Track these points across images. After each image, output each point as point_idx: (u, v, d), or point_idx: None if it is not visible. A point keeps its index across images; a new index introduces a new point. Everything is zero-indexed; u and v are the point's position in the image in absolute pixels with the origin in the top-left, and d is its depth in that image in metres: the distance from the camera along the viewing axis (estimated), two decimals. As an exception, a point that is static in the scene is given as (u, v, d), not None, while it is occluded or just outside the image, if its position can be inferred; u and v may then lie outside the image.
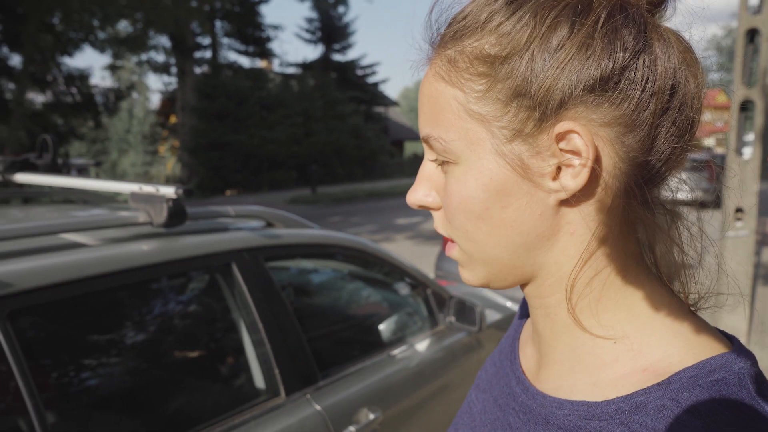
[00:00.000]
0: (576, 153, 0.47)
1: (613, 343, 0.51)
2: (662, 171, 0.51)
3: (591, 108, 0.47)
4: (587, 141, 0.47)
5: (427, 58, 0.55)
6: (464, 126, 0.50)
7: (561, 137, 0.47)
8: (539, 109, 0.47)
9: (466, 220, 0.52)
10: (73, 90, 21.34)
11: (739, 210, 4.79)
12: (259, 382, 1.71)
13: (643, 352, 0.49)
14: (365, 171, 28.13)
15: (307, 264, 2.61)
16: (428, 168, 0.56)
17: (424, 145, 0.55)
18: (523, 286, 0.56)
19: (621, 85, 0.46)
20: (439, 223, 0.57)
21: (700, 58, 0.51)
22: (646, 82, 0.47)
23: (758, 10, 4.73)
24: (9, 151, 15.50)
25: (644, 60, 0.47)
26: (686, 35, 0.52)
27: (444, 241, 0.58)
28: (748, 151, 5.05)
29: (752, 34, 4.75)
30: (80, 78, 21.36)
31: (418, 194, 0.56)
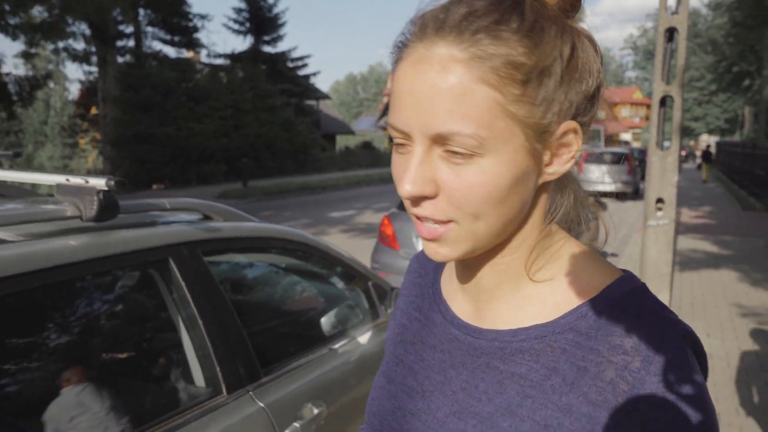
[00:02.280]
0: (568, 145, 0.61)
1: (550, 282, 0.65)
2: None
3: (581, 112, 0.61)
4: (578, 136, 0.61)
5: (414, 49, 0.59)
6: (500, 124, 0.56)
7: (564, 134, 0.60)
8: (558, 114, 0.59)
9: (486, 205, 0.58)
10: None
11: (660, 200, 5.04)
12: (200, 381, 1.65)
13: (574, 283, 0.64)
14: (297, 165, 27.82)
15: (246, 258, 2.54)
16: (421, 159, 0.59)
17: (426, 140, 0.58)
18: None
19: (597, 95, 0.63)
20: (433, 208, 0.60)
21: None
22: (600, 97, 0.64)
23: (676, 11, 4.98)
24: None
25: (601, 79, 0.63)
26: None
27: (423, 227, 0.62)
28: (667, 144, 5.32)
29: (671, 33, 4.99)
30: (-10, 65, 20.02)
31: (417, 187, 0.58)
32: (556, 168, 0.62)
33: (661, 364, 0.55)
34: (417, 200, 0.60)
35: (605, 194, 18.69)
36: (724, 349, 4.97)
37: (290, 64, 32.49)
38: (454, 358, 0.70)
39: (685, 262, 8.53)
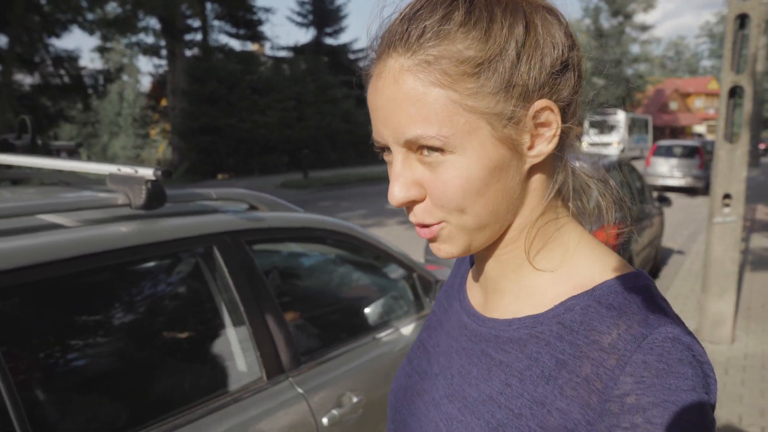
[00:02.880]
0: (546, 125, 0.61)
1: (551, 273, 0.65)
2: (579, 129, 0.67)
3: (552, 88, 0.60)
4: (556, 113, 0.60)
5: (376, 67, 0.62)
6: (461, 120, 0.58)
7: (537, 113, 0.60)
8: (522, 96, 0.58)
9: (465, 199, 0.60)
10: (62, 72, 21.08)
11: (727, 196, 4.80)
12: (241, 365, 1.70)
13: (573, 275, 0.64)
14: (357, 156, 28.02)
15: (293, 248, 2.59)
16: (402, 166, 0.61)
17: (399, 148, 0.61)
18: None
19: (566, 68, 0.61)
20: (422, 212, 0.62)
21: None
22: (575, 64, 0.62)
23: (749, -4, 4.71)
24: (-4, 133, 15.30)
25: (573, 46, 0.62)
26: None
27: (420, 230, 0.64)
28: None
29: (742, 20, 4.73)
30: (68, 59, 21.08)
31: (403, 192, 0.61)
32: (540, 149, 0.61)
33: (637, 365, 0.53)
34: (408, 206, 0.63)
35: (674, 189, 17.98)
36: (794, 353, 4.70)
37: (352, 56, 32.69)
38: (459, 344, 0.73)
39: (757, 261, 8.10)
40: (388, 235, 9.73)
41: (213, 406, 1.52)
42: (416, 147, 0.60)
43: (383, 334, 2.19)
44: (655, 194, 7.64)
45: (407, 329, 2.30)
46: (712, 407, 0.54)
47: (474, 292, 0.76)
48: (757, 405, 3.84)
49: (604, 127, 27.86)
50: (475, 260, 0.74)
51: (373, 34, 0.64)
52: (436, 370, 0.76)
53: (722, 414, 3.71)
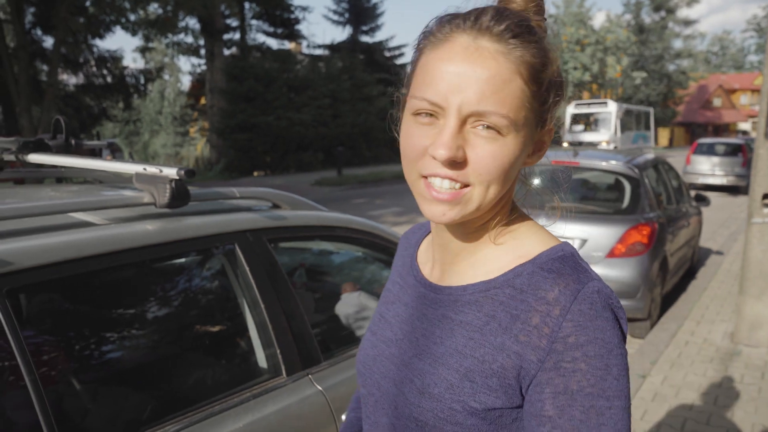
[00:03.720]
0: (544, 143, 0.80)
1: (502, 247, 0.81)
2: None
3: (558, 105, 0.77)
4: (550, 137, 0.78)
5: (465, 34, 0.72)
6: (523, 113, 0.72)
7: (545, 132, 0.79)
8: (549, 118, 0.77)
9: (500, 174, 0.72)
10: (104, 72, 21.64)
11: (766, 196, 4.66)
12: (261, 361, 1.73)
13: (518, 248, 0.80)
14: (392, 153, 27.99)
15: (319, 246, 2.62)
16: (456, 130, 0.71)
17: (465, 115, 0.70)
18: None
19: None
20: (458, 173, 0.72)
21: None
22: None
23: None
24: (42, 131, 15.82)
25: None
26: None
27: (442, 192, 0.74)
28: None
29: (786, 14, 4.57)
30: (111, 60, 21.62)
31: (453, 151, 0.70)
32: (533, 159, 0.79)
33: (575, 312, 0.69)
34: (448, 163, 0.71)
35: (715, 188, 17.48)
36: (837, 359, 4.54)
37: (387, 54, 32.70)
38: (419, 311, 0.86)
39: (801, 263, 7.83)
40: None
41: (233, 402, 1.55)
42: (476, 120, 0.70)
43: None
44: (693, 193, 7.45)
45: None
46: (624, 338, 0.72)
47: (428, 267, 0.91)
48: (796, 412, 3.72)
49: (591, 123, 24.17)
50: (438, 239, 0.86)
51: (446, 12, 0.77)
52: (400, 335, 0.88)
53: (757, 419, 3.61)
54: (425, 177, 0.74)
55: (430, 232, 1.00)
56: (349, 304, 2.33)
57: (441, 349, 0.79)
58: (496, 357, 0.73)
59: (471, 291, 0.79)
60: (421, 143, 0.73)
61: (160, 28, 22.01)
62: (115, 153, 21.21)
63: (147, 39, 23.60)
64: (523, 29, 0.72)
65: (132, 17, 20.58)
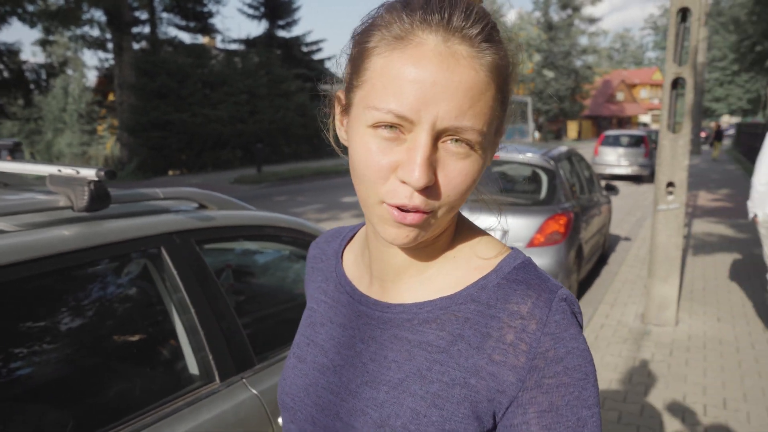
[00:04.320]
0: (496, 144, 0.71)
1: (454, 259, 0.74)
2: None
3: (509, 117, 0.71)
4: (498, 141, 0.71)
5: (432, 36, 0.61)
6: (494, 124, 0.65)
7: (500, 132, 0.70)
8: (507, 117, 0.70)
9: (464, 195, 0.65)
10: (0, 66, 20.21)
11: (670, 184, 4.97)
12: (193, 368, 1.67)
13: (472, 258, 0.73)
14: (312, 150, 27.82)
15: (244, 246, 2.56)
16: (430, 148, 0.61)
17: (430, 129, 0.59)
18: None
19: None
20: (422, 199, 0.62)
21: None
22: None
23: (689, -10, 4.87)
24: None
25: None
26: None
27: (406, 215, 0.63)
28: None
29: (684, 13, 4.89)
30: (8, 53, 20.23)
31: (429, 176, 0.61)
32: (488, 161, 0.69)
33: (552, 324, 0.65)
34: (421, 189, 0.62)
35: (621, 177, 18.51)
36: (734, 334, 4.93)
37: (305, 49, 32.38)
38: (363, 333, 0.76)
39: (699, 246, 8.43)
40: (344, 228, 9.70)
41: (166, 411, 1.49)
42: (448, 135, 0.61)
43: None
44: (603, 183, 7.85)
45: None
46: None
47: (364, 283, 0.80)
48: (700, 384, 4.01)
49: None
50: (374, 253, 0.76)
51: (395, 2, 0.65)
52: (339, 362, 0.77)
53: (668, 394, 3.86)
54: (389, 204, 0.64)
55: (349, 241, 0.90)
56: None
57: (399, 375, 0.70)
58: (468, 380, 0.66)
59: (429, 308, 0.71)
60: (383, 162, 0.62)
61: (62, 20, 20.78)
62: (15, 154, 19.81)
63: (48, 31, 22.24)
64: (492, 29, 0.63)
65: (30, 8, 19.33)
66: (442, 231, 0.72)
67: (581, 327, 0.69)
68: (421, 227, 0.65)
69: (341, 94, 0.73)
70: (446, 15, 0.61)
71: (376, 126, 0.62)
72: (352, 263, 0.85)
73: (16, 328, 1.47)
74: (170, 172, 22.56)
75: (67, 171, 1.55)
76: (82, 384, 1.51)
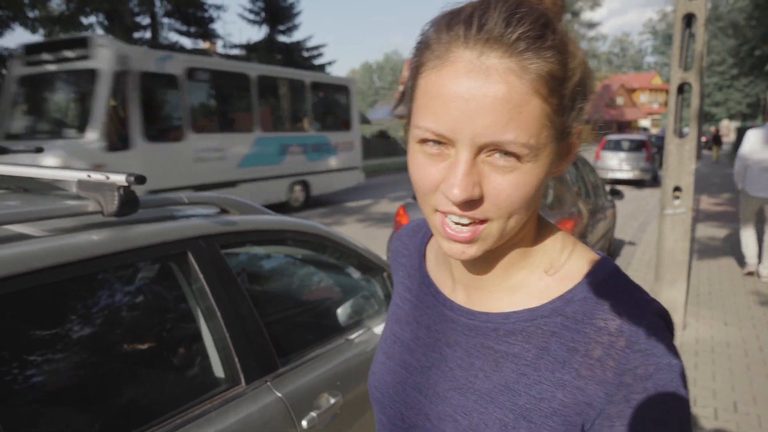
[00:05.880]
0: (574, 146, 0.68)
1: (537, 267, 0.72)
2: None
3: (581, 116, 0.66)
4: (581, 137, 0.68)
5: (462, 51, 0.60)
6: (545, 132, 0.62)
7: (576, 135, 0.67)
8: (576, 120, 0.66)
9: (522, 205, 0.64)
10: (4, 71, 20.25)
11: (677, 189, 4.99)
12: (219, 371, 1.69)
13: (558, 269, 0.71)
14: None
15: (262, 250, 2.58)
16: (468, 165, 0.61)
17: (470, 145, 0.60)
18: None
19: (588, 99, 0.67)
20: (475, 210, 0.63)
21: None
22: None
23: (694, -4, 4.90)
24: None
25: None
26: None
27: (461, 230, 0.65)
28: (686, 131, 5.25)
29: (689, 19, 4.91)
30: (11, 58, 20.25)
31: (468, 191, 0.61)
32: (562, 166, 0.68)
33: (642, 342, 0.63)
34: (463, 204, 0.62)
35: (623, 182, 18.54)
36: (741, 337, 4.94)
37: (305, 54, 32.43)
38: (448, 337, 0.76)
39: (703, 250, 8.44)
40: (347, 233, 9.72)
41: (194, 414, 1.51)
42: (492, 149, 0.61)
43: (356, 334, 2.20)
44: (607, 188, 7.87)
45: (379, 328, 2.32)
46: None
47: (448, 286, 0.80)
48: (710, 387, 4.02)
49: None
50: (454, 260, 0.76)
51: (444, 16, 0.65)
52: (425, 363, 0.78)
53: (678, 398, 3.86)
54: (441, 212, 0.66)
55: (431, 236, 0.89)
56: None
57: (487, 385, 0.71)
58: (556, 394, 0.66)
59: (514, 319, 0.70)
60: (432, 177, 0.64)
61: (63, 25, 20.81)
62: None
63: (49, 37, 22.28)
64: (538, 33, 0.60)
65: (32, 13, 19.37)
66: (514, 240, 0.71)
67: (674, 333, 0.68)
68: (475, 242, 0.65)
69: (405, 108, 0.73)
70: (480, 23, 0.60)
71: (422, 142, 0.64)
72: (434, 263, 0.85)
73: (47, 331, 1.48)
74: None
75: (97, 176, 1.56)
76: (111, 387, 1.53)
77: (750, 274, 6.87)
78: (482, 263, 0.73)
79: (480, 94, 0.58)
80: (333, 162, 14.16)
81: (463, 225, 0.64)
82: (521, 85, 0.59)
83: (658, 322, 0.65)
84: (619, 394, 0.63)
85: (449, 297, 0.78)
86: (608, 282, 0.68)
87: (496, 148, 0.60)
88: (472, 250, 0.66)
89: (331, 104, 14.95)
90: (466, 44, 0.60)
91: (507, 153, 0.60)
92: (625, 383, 0.63)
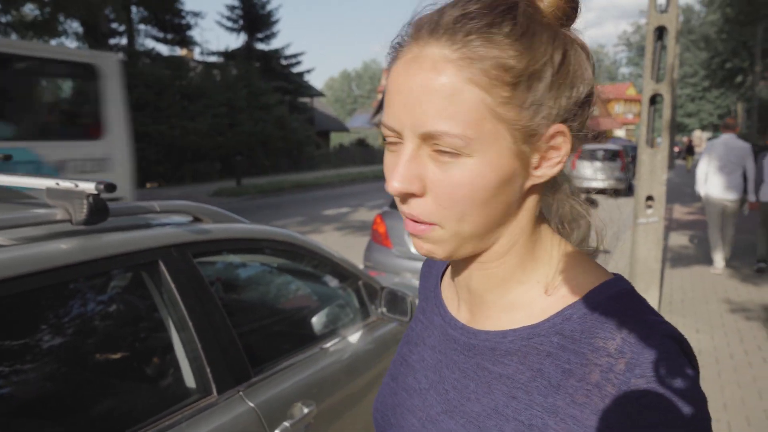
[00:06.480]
0: (557, 148, 0.62)
1: (538, 285, 0.66)
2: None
3: (572, 116, 0.62)
4: (567, 140, 0.62)
5: (409, 49, 0.61)
6: (486, 125, 0.58)
7: (552, 137, 0.61)
8: (547, 117, 0.60)
9: (470, 206, 0.60)
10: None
11: (649, 198, 5.08)
12: (190, 381, 1.67)
13: (561, 286, 0.65)
14: (291, 162, 27.79)
15: (236, 258, 2.56)
16: (410, 157, 0.60)
17: (415, 138, 0.59)
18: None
19: (591, 101, 0.63)
20: (419, 209, 0.61)
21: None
22: (593, 102, 0.64)
23: (665, 9, 5.01)
24: None
25: (593, 86, 0.64)
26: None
27: (408, 223, 0.64)
28: (659, 141, 5.35)
29: (660, 32, 5.02)
30: (-18, 64, 19.91)
31: (402, 182, 0.60)
32: (545, 171, 0.63)
33: (646, 365, 0.55)
34: (404, 198, 0.61)
35: (598, 191, 18.69)
36: (713, 344, 5.02)
37: (284, 62, 32.42)
38: (448, 358, 0.73)
39: (676, 258, 8.59)
40: (325, 241, 9.70)
41: (164, 425, 1.48)
42: (433, 142, 0.59)
43: (331, 343, 2.19)
44: (582, 196, 7.95)
45: (354, 337, 2.32)
46: (698, 378, 0.58)
47: (453, 306, 0.76)
48: (682, 395, 4.07)
49: None
50: (455, 274, 0.74)
51: (413, 16, 0.63)
52: (425, 385, 0.75)
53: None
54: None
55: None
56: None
57: (476, 408, 0.66)
58: (547, 421, 0.59)
59: (511, 338, 0.65)
60: (389, 173, 0.63)
61: (37, 31, 20.53)
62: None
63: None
64: (491, 20, 0.58)
65: (5, 18, 19.09)
66: (505, 251, 0.66)
67: (696, 370, 0.58)
68: (432, 241, 0.63)
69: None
70: (440, 20, 0.59)
71: (386, 142, 0.64)
72: (447, 283, 0.81)
73: (14, 342, 1.46)
74: (148, 185, 22.32)
75: (66, 184, 1.54)
76: (81, 398, 1.50)
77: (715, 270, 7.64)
78: (478, 278, 0.69)
79: (416, 85, 0.58)
80: None
81: (416, 221, 0.63)
82: (457, 73, 0.57)
83: (670, 346, 0.56)
84: (619, 424, 0.55)
85: (455, 316, 0.75)
86: (614, 300, 0.61)
87: (434, 140, 0.58)
88: (428, 247, 0.64)
89: (59, 95, 9.41)
90: (417, 39, 0.60)
91: (444, 150, 0.58)
92: (625, 413, 0.55)
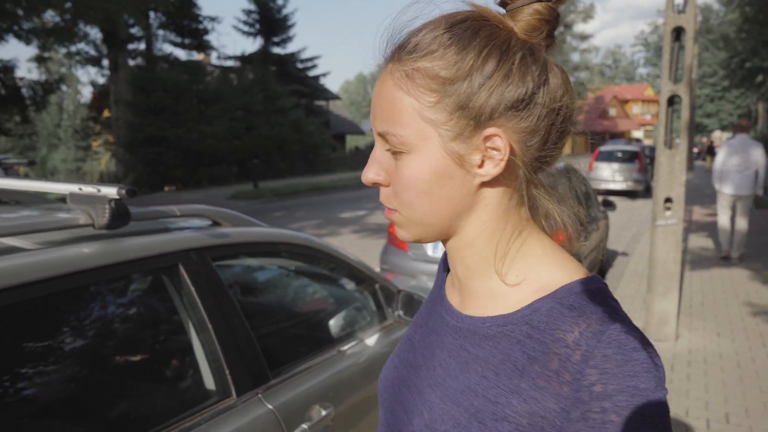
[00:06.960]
0: (497, 149, 0.68)
1: (515, 278, 0.72)
2: (547, 162, 0.73)
3: (509, 119, 0.67)
4: (505, 142, 0.67)
5: (383, 67, 0.73)
6: (418, 126, 0.68)
7: (488, 138, 0.68)
8: (475, 119, 0.67)
9: (413, 196, 0.70)
10: (-3, 83, 20.25)
11: (668, 200, 5.02)
12: (210, 383, 1.69)
13: (535, 281, 0.71)
14: (307, 165, 27.93)
15: (254, 262, 2.58)
16: (379, 153, 0.74)
17: (378, 137, 0.73)
18: (444, 240, 0.77)
19: (529, 106, 0.67)
20: (385, 196, 0.75)
21: (572, 83, 0.72)
22: (544, 105, 0.68)
23: (683, 10, 4.96)
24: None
25: (544, 89, 0.68)
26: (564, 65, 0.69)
27: (388, 213, 0.76)
28: (677, 142, 5.30)
29: (678, 32, 4.97)
30: (4, 70, 20.28)
31: (371, 174, 0.74)
32: (487, 169, 0.69)
33: (600, 358, 0.61)
34: (378, 187, 0.74)
35: (616, 192, 18.62)
36: (734, 348, 4.95)
37: (300, 65, 32.57)
38: (440, 339, 0.81)
39: (696, 261, 8.48)
40: (342, 244, 9.72)
41: (184, 427, 1.50)
42: (385, 140, 0.71)
43: (348, 346, 2.20)
44: (600, 198, 7.90)
45: (371, 340, 2.33)
46: (663, 380, 0.62)
47: (452, 293, 0.84)
48: (702, 398, 4.03)
49: None
50: (450, 265, 0.82)
51: (386, 38, 0.75)
52: (420, 361, 0.84)
53: (670, 408, 3.87)
54: None
55: None
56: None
57: (454, 384, 0.74)
58: (510, 399, 0.66)
59: (489, 324, 0.72)
60: None
61: (57, 37, 20.86)
62: (8, 170, 19.85)
63: (44, 48, 22.30)
64: (431, 36, 0.68)
65: (26, 25, 19.41)
66: (469, 241, 0.74)
67: (654, 365, 0.62)
68: (398, 224, 0.75)
69: None
70: (391, 41, 0.73)
71: None
72: (450, 275, 0.89)
73: (38, 344, 1.48)
74: (166, 188, 22.57)
75: (88, 189, 1.57)
76: (102, 399, 1.53)
77: (724, 258, 8.40)
78: (460, 265, 0.77)
79: (376, 94, 0.72)
80: None
81: (386, 207, 0.75)
82: (392, 82, 0.70)
83: (624, 340, 0.62)
84: (575, 411, 0.61)
85: (450, 301, 0.83)
86: (580, 297, 0.67)
87: (384, 138, 0.71)
88: (400, 232, 0.76)
89: None
90: (386, 56, 0.74)
91: (390, 148, 0.71)
92: (581, 400, 0.61)
